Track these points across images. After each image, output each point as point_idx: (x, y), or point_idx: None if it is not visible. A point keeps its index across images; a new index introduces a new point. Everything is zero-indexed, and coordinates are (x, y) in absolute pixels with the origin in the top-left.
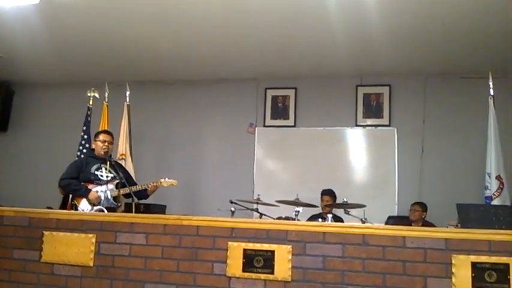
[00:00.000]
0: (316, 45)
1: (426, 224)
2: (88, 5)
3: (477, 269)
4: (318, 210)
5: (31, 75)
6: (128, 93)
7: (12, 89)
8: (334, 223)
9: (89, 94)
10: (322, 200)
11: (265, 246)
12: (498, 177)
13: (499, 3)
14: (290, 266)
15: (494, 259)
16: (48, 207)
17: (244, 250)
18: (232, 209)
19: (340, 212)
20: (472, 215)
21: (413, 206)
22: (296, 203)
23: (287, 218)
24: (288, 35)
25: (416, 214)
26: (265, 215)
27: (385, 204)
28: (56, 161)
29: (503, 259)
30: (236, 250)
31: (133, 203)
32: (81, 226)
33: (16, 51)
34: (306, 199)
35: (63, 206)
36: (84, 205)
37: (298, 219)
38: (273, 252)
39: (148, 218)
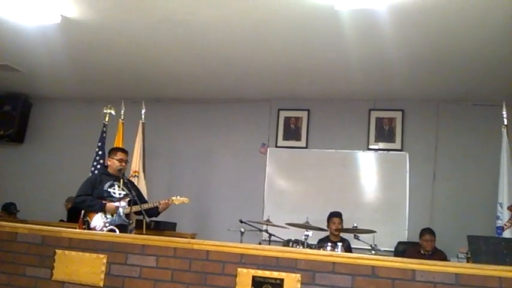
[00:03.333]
0: (330, 68)
1: (436, 251)
2: (106, 25)
3: None
4: (326, 233)
5: (49, 90)
6: (143, 111)
7: (30, 102)
8: (344, 253)
9: (105, 111)
10: (333, 222)
11: (275, 274)
12: (510, 208)
13: None
14: None
15: None
16: (61, 220)
17: (253, 277)
18: (242, 229)
19: (347, 236)
20: (483, 247)
21: (424, 235)
22: (306, 226)
23: (296, 241)
24: (303, 57)
25: (429, 244)
26: (274, 235)
27: (395, 230)
28: (70, 175)
29: None
30: (245, 277)
31: (144, 221)
32: (92, 246)
33: (36, 66)
34: (315, 221)
35: (71, 219)
36: (96, 221)
37: (307, 243)
38: (282, 280)
39: (159, 240)
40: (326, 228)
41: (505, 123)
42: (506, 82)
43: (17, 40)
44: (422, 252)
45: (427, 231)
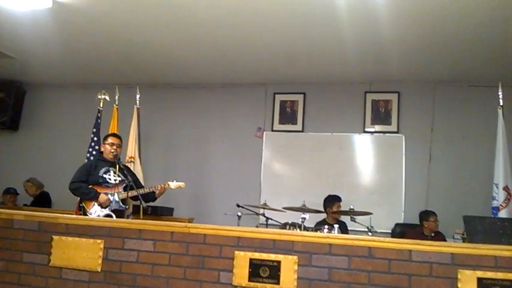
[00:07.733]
0: (326, 51)
1: (438, 233)
2: (99, 9)
3: (483, 285)
4: (322, 216)
5: (43, 76)
6: (138, 96)
7: (24, 89)
8: (341, 235)
9: (99, 96)
10: (337, 206)
11: (272, 256)
12: (506, 188)
13: (510, 13)
14: (296, 276)
15: (500, 275)
16: (25, 205)
17: (251, 260)
18: (239, 213)
19: (344, 218)
20: (479, 227)
21: (431, 217)
22: (303, 209)
23: (293, 224)
24: (298, 40)
25: (437, 225)
26: (271, 219)
27: (392, 212)
28: (65, 162)
29: (510, 275)
30: (242, 259)
31: (141, 206)
32: (89, 231)
33: (29, 52)
34: (312, 204)
35: (37, 203)
36: (95, 210)
37: (304, 226)
38: (279, 262)
39: (156, 225)
40: (323, 210)
41: (501, 104)
42: (502, 63)
43: (8, 26)
44: (426, 234)
45: (431, 213)
